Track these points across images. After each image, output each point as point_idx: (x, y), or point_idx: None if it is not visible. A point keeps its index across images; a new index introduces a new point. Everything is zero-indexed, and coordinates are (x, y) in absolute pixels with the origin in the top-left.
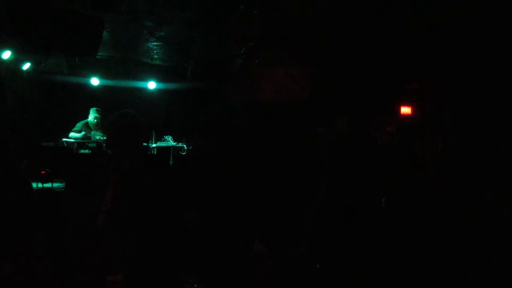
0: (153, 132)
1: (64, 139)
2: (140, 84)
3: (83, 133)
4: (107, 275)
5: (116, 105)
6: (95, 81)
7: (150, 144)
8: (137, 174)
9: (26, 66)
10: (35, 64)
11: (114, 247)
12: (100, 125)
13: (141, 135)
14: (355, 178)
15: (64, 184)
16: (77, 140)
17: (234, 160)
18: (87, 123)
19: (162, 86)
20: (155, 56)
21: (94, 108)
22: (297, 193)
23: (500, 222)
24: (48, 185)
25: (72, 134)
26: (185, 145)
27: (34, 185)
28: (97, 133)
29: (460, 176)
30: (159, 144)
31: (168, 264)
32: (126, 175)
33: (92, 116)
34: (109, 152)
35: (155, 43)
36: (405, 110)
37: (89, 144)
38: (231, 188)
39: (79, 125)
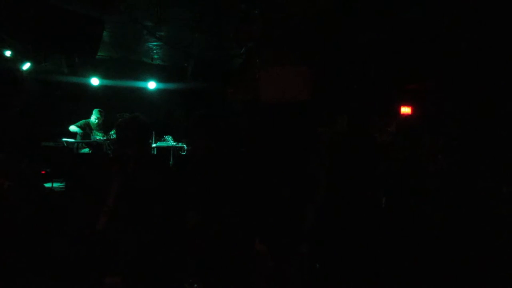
0: (153, 132)
1: (64, 139)
2: (140, 84)
3: (82, 131)
4: (106, 276)
5: (116, 105)
6: (95, 81)
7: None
8: (140, 175)
9: (26, 66)
10: (35, 64)
11: (113, 248)
12: (102, 126)
13: (150, 137)
14: (355, 177)
15: (64, 184)
16: (77, 140)
17: (231, 159)
18: (88, 123)
19: (162, 86)
20: (155, 56)
21: (97, 109)
22: (297, 193)
23: (500, 221)
24: (48, 185)
25: (72, 127)
26: (185, 145)
27: None
28: (98, 134)
29: (460, 175)
30: (159, 144)
31: (168, 265)
32: (130, 176)
33: (94, 117)
34: (111, 152)
35: (155, 43)
36: (405, 110)
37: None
38: (231, 188)
39: (81, 122)
